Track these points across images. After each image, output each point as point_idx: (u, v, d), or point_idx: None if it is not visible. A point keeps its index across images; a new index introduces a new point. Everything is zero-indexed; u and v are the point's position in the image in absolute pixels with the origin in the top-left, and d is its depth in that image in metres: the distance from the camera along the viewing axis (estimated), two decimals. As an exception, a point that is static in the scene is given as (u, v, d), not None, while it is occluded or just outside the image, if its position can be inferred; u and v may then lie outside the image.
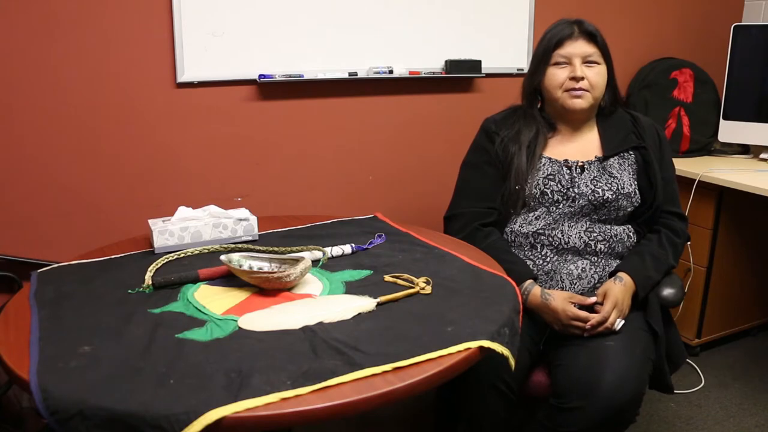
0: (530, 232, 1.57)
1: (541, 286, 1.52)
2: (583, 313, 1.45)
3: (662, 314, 1.54)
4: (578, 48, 1.54)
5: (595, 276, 1.55)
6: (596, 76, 1.54)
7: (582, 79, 1.53)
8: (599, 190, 1.54)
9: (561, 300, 1.46)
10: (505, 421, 1.44)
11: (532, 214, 1.58)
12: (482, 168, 1.64)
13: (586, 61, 1.54)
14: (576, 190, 1.55)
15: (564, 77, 1.55)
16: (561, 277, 1.54)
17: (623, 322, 1.46)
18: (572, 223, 1.56)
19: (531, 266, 1.55)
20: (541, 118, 1.63)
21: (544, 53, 1.58)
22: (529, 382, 1.50)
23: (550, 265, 1.55)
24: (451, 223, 1.65)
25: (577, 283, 1.54)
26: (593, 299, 1.48)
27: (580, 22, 1.57)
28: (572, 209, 1.55)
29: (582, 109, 1.56)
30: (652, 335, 1.49)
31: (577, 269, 1.54)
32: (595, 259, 1.56)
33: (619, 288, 1.48)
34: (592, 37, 1.55)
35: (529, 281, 1.50)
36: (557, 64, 1.56)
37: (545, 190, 1.55)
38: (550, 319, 1.48)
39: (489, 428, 1.44)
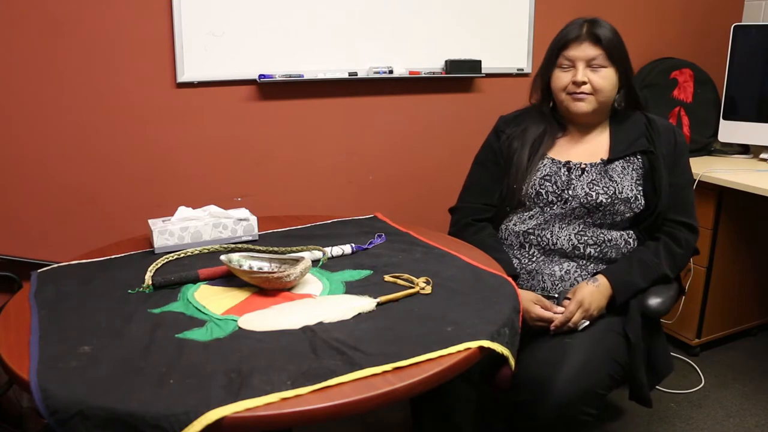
0: (521, 231, 1.57)
1: (521, 285, 1.54)
2: (547, 314, 1.45)
3: (648, 324, 1.50)
4: (582, 51, 1.51)
5: (579, 279, 1.53)
6: (601, 80, 1.51)
7: (584, 83, 1.51)
8: (593, 194, 1.52)
9: (526, 301, 1.45)
10: (473, 407, 1.45)
11: (527, 213, 1.58)
12: (486, 165, 1.67)
13: (591, 65, 1.51)
14: (570, 192, 1.53)
15: (567, 81, 1.53)
16: (543, 277, 1.54)
17: (587, 323, 1.45)
18: (563, 225, 1.55)
19: (516, 265, 1.55)
20: (552, 118, 1.62)
21: (551, 54, 1.57)
22: (499, 376, 1.47)
23: (534, 264, 1.55)
24: (452, 216, 1.70)
25: (559, 285, 1.53)
26: (560, 309, 1.45)
27: (592, 22, 1.52)
28: (564, 211, 1.54)
29: (585, 112, 1.54)
30: (627, 342, 1.46)
31: (560, 270, 1.53)
32: (584, 262, 1.55)
33: (590, 289, 1.46)
34: (598, 39, 1.50)
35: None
36: (562, 66, 1.54)
37: (540, 190, 1.55)
38: None
39: (459, 417, 1.45)
